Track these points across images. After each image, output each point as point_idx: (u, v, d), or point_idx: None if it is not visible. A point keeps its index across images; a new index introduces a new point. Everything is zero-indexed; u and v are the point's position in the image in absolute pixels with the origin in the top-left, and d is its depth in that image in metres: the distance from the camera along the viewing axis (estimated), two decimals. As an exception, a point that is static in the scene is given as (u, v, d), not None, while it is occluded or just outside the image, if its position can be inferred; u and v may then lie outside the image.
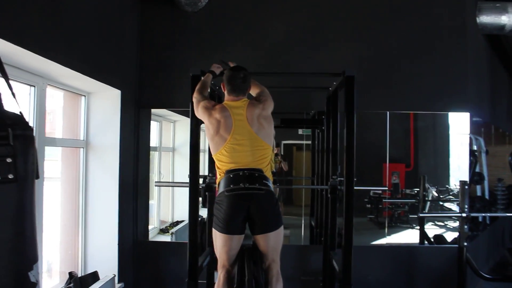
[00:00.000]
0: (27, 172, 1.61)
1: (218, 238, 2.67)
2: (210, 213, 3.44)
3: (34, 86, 3.08)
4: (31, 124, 2.99)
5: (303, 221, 4.60)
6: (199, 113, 2.79)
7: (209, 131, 2.73)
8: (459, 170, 4.73)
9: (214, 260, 3.47)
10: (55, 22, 2.87)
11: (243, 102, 2.74)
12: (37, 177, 1.68)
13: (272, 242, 2.68)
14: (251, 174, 2.63)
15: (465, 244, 3.74)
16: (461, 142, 4.64)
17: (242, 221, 2.64)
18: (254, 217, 2.62)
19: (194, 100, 2.86)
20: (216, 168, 2.78)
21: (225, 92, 2.82)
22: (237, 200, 2.60)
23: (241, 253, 2.73)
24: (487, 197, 6.22)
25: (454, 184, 4.85)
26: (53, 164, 3.73)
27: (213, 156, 2.76)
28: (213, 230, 2.70)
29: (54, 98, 3.70)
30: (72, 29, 3.07)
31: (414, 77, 4.30)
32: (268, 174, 2.73)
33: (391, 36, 4.35)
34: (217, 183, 2.77)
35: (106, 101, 3.87)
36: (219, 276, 2.71)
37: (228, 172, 2.66)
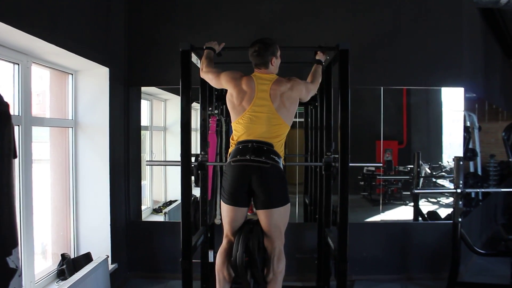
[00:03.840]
0: (2, 150, 1.51)
1: (223, 208, 2.73)
2: (203, 192, 3.41)
3: (18, 64, 2.98)
4: (15, 103, 2.94)
5: (297, 199, 4.59)
6: (223, 82, 2.82)
7: (232, 101, 2.75)
8: (450, 147, 4.71)
9: (208, 239, 3.46)
10: (38, -4, 2.76)
11: (271, 77, 2.76)
12: (15, 157, 1.59)
13: (274, 220, 2.66)
14: (259, 147, 2.63)
15: (460, 220, 3.73)
16: (452, 119, 4.61)
17: (245, 193, 2.65)
18: (256, 191, 2.62)
19: (210, 74, 2.88)
20: (231, 140, 2.80)
21: None
22: (240, 171, 2.62)
23: (242, 226, 2.73)
24: (479, 173, 6.25)
25: (446, 160, 4.84)
26: (42, 146, 3.65)
27: (232, 124, 2.80)
28: (221, 199, 2.76)
29: (44, 79, 3.61)
30: (56, 3, 2.97)
31: (409, 51, 4.23)
32: (280, 150, 2.73)
33: (385, 9, 4.26)
34: (228, 153, 2.78)
35: (94, 79, 3.79)
36: (222, 245, 2.78)
37: (239, 143, 2.69)
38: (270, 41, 2.79)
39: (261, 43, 2.76)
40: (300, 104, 2.86)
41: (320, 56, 3.16)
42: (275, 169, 2.63)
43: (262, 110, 2.67)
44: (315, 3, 4.27)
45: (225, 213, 2.71)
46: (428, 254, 4.24)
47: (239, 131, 2.72)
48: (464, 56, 4.34)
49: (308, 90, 2.85)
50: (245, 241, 2.63)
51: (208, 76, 2.91)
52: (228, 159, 2.72)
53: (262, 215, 2.67)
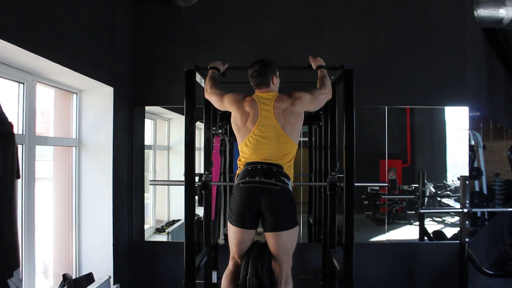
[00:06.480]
0: (6, 171, 1.50)
1: (230, 230, 2.70)
2: (206, 212, 3.38)
3: (23, 83, 2.99)
4: (19, 122, 2.95)
5: (301, 219, 4.54)
6: (226, 105, 2.82)
7: (237, 123, 2.74)
8: (454, 165, 4.69)
9: (211, 259, 3.41)
10: (44, 16, 2.79)
11: (272, 95, 2.74)
12: (18, 177, 1.57)
13: (283, 242, 2.63)
14: (269, 169, 2.61)
15: (467, 240, 3.68)
16: (455, 138, 4.60)
17: (254, 215, 2.62)
18: (264, 213, 2.59)
19: (214, 96, 2.88)
20: (238, 161, 2.78)
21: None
22: (249, 193, 2.60)
23: (251, 249, 2.70)
24: (485, 192, 6.20)
25: (451, 179, 4.80)
26: (45, 164, 3.65)
27: (238, 146, 2.78)
28: (228, 221, 2.73)
29: (48, 98, 3.63)
30: (61, 23, 2.99)
31: (413, 71, 4.24)
32: (289, 171, 2.70)
33: (389, 30, 4.28)
34: (236, 174, 2.76)
35: (99, 98, 3.80)
36: (228, 266, 2.73)
37: (248, 164, 2.66)
38: (269, 61, 2.82)
39: (261, 63, 2.79)
40: (304, 123, 2.85)
41: (315, 62, 3.02)
42: (284, 191, 2.60)
43: (268, 130, 2.65)
44: (318, 23, 4.29)
45: (232, 235, 2.68)
46: (435, 274, 4.17)
47: (246, 153, 2.70)
48: (468, 75, 4.35)
49: (315, 97, 2.79)
50: (254, 265, 2.59)
51: (212, 98, 2.91)
52: (236, 180, 2.69)
53: (270, 238, 2.63)
